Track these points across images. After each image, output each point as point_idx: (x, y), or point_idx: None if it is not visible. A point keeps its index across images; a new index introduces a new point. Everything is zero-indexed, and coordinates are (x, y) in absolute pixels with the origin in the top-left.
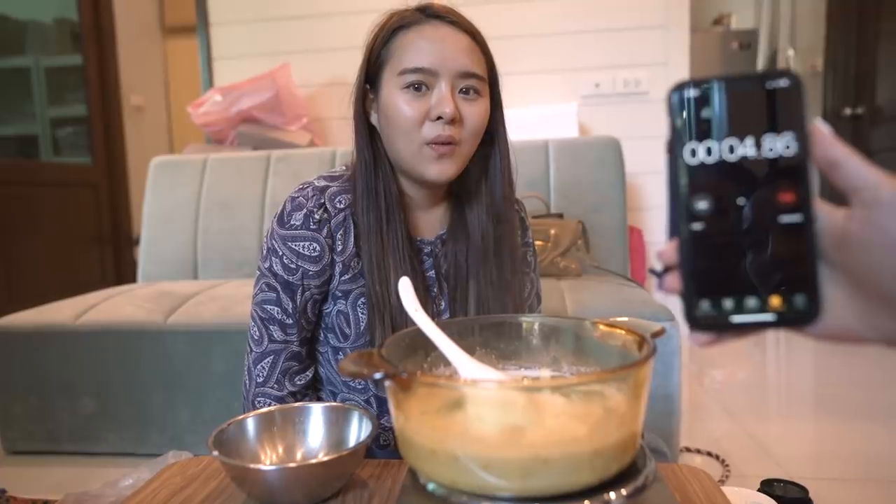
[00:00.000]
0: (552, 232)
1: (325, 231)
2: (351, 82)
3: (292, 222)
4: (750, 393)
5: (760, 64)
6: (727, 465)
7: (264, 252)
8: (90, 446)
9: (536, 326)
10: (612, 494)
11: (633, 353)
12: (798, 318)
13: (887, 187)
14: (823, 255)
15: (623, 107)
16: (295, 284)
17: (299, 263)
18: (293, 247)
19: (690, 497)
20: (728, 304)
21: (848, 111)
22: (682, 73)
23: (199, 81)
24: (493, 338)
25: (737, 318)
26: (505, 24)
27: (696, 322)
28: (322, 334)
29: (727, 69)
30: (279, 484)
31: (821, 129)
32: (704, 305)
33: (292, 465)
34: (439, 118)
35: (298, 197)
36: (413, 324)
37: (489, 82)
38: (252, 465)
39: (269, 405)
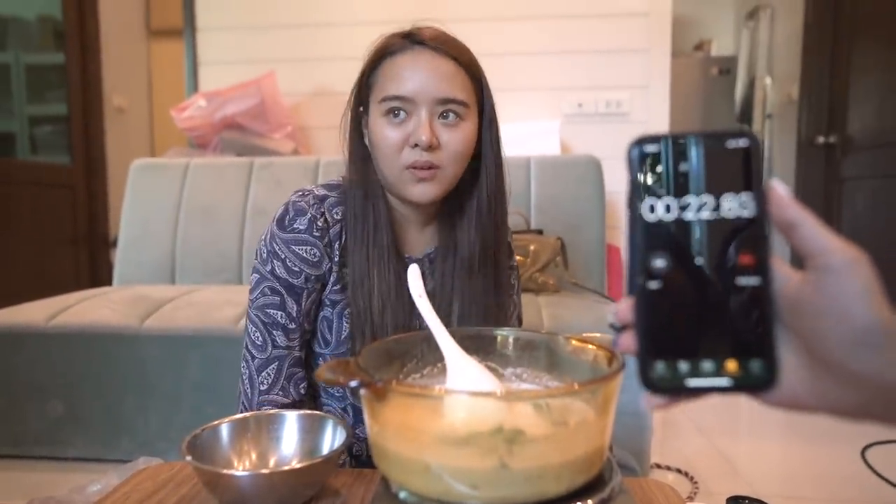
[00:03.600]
0: (531, 248)
1: (325, 239)
2: (336, 92)
3: (296, 226)
4: (722, 412)
5: (738, 90)
6: (696, 482)
7: (264, 255)
8: (57, 451)
9: (511, 339)
10: None
11: (603, 367)
12: (755, 384)
13: (839, 254)
14: (780, 319)
15: (604, 127)
16: (299, 287)
17: (302, 267)
18: (296, 250)
19: None
20: (683, 366)
21: (821, 139)
22: (663, 96)
23: (183, 85)
24: (470, 349)
25: (692, 382)
26: (493, 41)
27: (650, 384)
28: None
29: (707, 94)
30: (251, 490)
31: (778, 189)
32: (659, 367)
33: (265, 471)
34: (417, 145)
35: (300, 202)
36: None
37: (479, 105)
38: (224, 471)
39: None
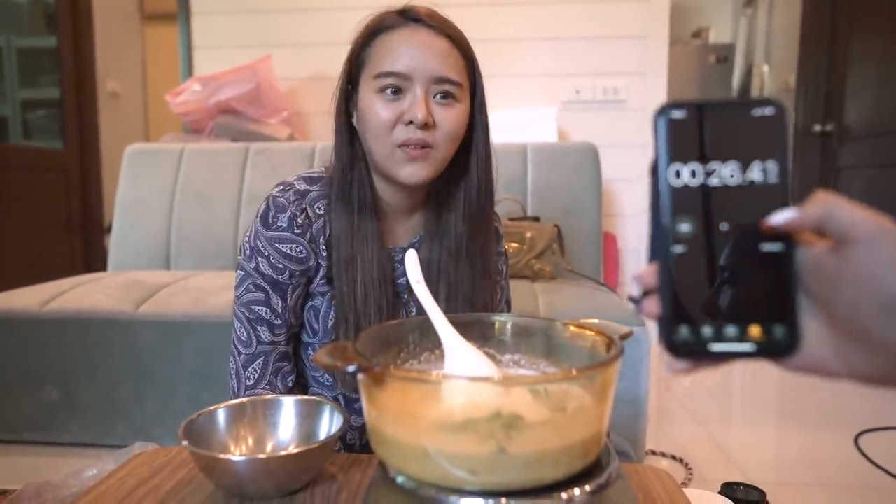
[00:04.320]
0: (528, 234)
1: (308, 235)
2: (333, 77)
3: (278, 224)
4: (716, 399)
5: (736, 78)
6: (690, 469)
7: (248, 252)
8: (52, 436)
9: (509, 326)
10: (577, 490)
11: (601, 353)
12: (777, 350)
13: (866, 225)
14: (803, 285)
15: (601, 114)
16: (284, 283)
17: (286, 264)
18: (280, 248)
19: (652, 496)
20: (707, 331)
21: (818, 128)
22: (660, 83)
23: (177, 70)
24: (468, 336)
25: (716, 347)
26: (490, 26)
27: (674, 348)
28: None
29: (704, 81)
30: (248, 475)
31: (781, 219)
32: (683, 332)
33: (261, 456)
34: (411, 122)
35: (280, 198)
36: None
37: (471, 87)
38: (221, 456)
39: None
